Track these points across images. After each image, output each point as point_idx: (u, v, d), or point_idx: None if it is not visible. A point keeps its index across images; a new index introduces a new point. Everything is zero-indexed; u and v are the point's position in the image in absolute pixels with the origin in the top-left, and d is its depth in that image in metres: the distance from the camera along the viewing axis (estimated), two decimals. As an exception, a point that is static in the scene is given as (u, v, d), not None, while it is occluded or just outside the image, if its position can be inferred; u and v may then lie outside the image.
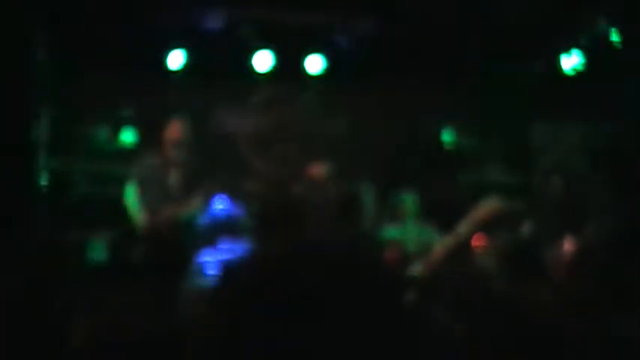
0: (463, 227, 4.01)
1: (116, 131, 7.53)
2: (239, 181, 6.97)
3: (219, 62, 7.44)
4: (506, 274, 3.01)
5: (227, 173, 6.75)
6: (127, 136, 7.52)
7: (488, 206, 4.28)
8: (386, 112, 7.94)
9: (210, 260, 4.46)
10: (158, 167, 5.56)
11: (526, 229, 4.69)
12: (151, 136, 6.33)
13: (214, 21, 7.14)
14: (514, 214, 4.37)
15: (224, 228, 5.31)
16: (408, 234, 5.62)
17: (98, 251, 6.37)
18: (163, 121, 5.95)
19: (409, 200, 5.84)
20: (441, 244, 4.17)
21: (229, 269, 1.39)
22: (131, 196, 5.53)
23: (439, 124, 7.92)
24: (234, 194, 5.94)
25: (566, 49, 7.11)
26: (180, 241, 5.23)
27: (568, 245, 3.29)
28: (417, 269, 4.07)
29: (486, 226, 3.86)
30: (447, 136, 7.82)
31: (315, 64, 7.86)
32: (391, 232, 5.75)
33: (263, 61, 7.73)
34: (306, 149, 7.24)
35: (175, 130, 5.66)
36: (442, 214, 5.19)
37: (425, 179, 7.14)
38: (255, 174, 7.28)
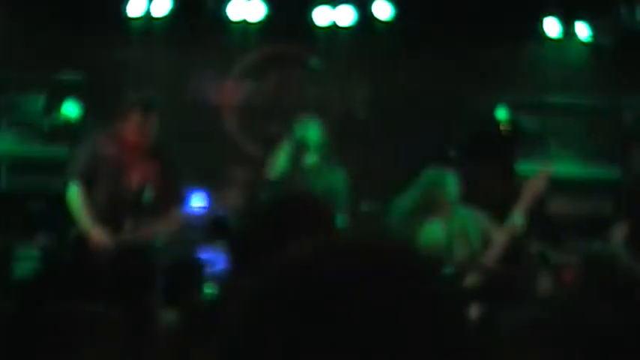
0: (518, 217, 4.38)
1: (55, 102, 6.42)
2: (225, 170, 6.16)
3: (195, 9, 6.53)
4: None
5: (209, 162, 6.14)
6: (70, 109, 6.39)
7: (537, 183, 4.45)
8: (420, 83, 6.80)
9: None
10: (114, 158, 4.57)
11: (616, 235, 4.45)
12: (102, 110, 5.52)
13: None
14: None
15: (207, 231, 5.22)
16: (454, 227, 4.65)
17: (27, 263, 5.48)
18: (121, 92, 5.19)
19: (451, 182, 4.69)
20: (499, 239, 4.42)
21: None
22: (75, 197, 4.54)
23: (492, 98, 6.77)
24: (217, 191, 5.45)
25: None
26: (150, 264, 4.52)
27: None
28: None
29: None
30: (502, 114, 6.68)
31: (341, 15, 6.75)
32: (433, 229, 4.67)
33: (254, 8, 6.58)
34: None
35: (137, 123, 4.58)
36: (496, 210, 4.71)
37: (474, 169, 5.88)
38: (245, 161, 6.30)
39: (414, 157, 6.34)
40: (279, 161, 4.82)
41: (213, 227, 5.63)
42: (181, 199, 4.72)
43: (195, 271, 5.31)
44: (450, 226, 4.55)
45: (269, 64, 6.76)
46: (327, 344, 0.71)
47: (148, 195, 4.52)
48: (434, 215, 4.56)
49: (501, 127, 6.54)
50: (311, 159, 4.80)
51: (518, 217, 4.41)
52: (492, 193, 5.90)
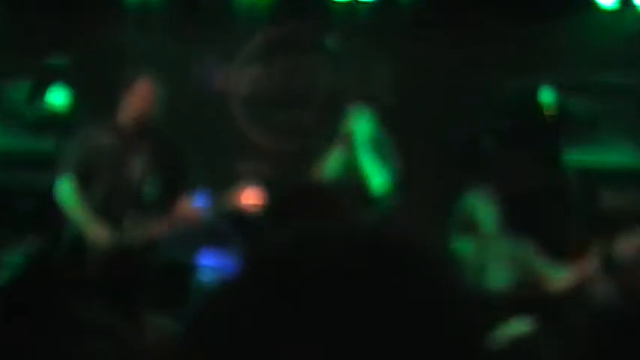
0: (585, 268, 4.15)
1: (40, 89, 5.96)
2: (233, 165, 5.81)
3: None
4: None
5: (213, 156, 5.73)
6: (57, 97, 5.92)
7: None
8: (451, 65, 6.20)
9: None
10: (112, 148, 4.42)
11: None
12: (94, 99, 5.25)
13: None
14: None
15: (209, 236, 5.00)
16: (489, 252, 4.50)
17: (9, 269, 4.93)
18: (116, 78, 4.71)
19: (485, 204, 4.56)
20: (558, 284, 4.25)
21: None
22: (69, 194, 4.39)
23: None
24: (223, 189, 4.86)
25: None
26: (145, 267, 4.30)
27: None
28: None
29: None
30: (546, 97, 6.06)
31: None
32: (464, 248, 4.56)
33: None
34: (329, 117, 5.63)
35: (141, 95, 4.46)
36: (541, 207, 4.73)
37: (513, 160, 5.56)
38: (254, 152, 5.93)
39: (445, 147, 5.94)
40: (330, 162, 4.62)
41: (232, 227, 5.17)
42: (191, 190, 4.49)
43: (191, 276, 5.02)
44: (484, 250, 4.45)
45: (279, 45, 6.24)
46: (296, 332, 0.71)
47: (152, 187, 4.37)
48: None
49: (545, 112, 6.02)
50: (362, 157, 4.60)
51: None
52: (535, 187, 5.46)
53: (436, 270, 0.75)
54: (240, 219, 4.99)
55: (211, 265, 5.09)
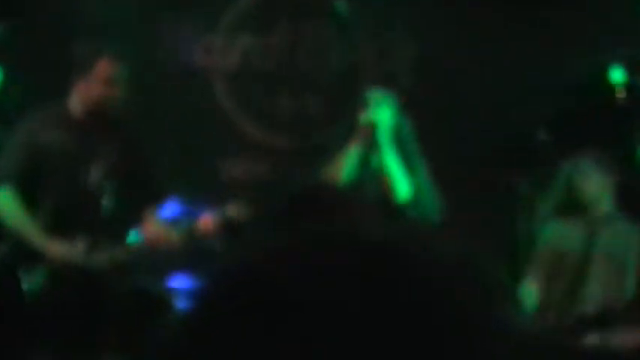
0: None
1: None
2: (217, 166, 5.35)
3: None
4: None
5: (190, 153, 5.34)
6: None
7: None
8: (491, 37, 5.45)
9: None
10: (63, 147, 3.91)
11: None
12: (36, 80, 4.83)
13: None
14: None
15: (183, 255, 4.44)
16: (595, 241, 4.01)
17: None
18: (65, 54, 4.10)
19: (593, 177, 3.97)
20: None
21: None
22: (10, 206, 3.91)
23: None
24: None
25: None
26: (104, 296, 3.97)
27: None
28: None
29: None
30: (616, 76, 5.34)
31: None
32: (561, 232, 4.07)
33: None
34: (341, 103, 5.07)
35: (99, 76, 3.90)
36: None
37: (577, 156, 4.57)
38: (245, 150, 5.38)
39: (482, 141, 5.22)
40: (348, 160, 4.08)
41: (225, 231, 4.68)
42: (160, 198, 4.10)
43: (161, 305, 4.59)
44: (589, 239, 3.95)
45: (276, 10, 5.39)
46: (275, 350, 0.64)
47: (114, 196, 3.94)
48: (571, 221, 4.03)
49: (617, 94, 5.19)
50: (386, 155, 4.06)
51: None
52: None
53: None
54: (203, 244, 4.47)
55: (186, 288, 4.66)
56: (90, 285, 3.96)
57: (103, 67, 3.85)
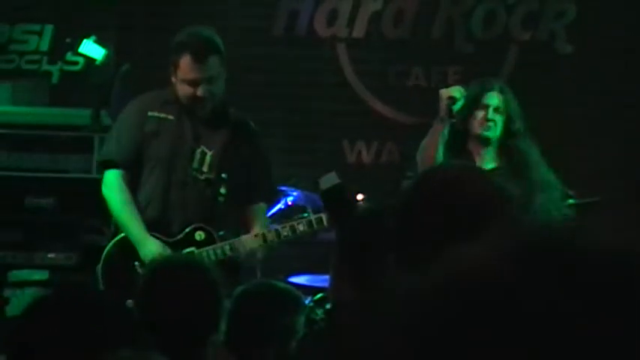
0: None
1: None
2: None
3: None
4: None
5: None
6: (93, 48, 4.61)
7: None
8: None
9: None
10: (176, 131, 3.60)
11: None
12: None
13: None
14: None
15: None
16: None
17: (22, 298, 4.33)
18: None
19: None
20: None
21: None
22: (114, 185, 3.65)
23: None
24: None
25: None
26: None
27: None
28: None
29: None
30: None
31: None
32: None
33: None
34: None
35: (186, 75, 3.50)
36: None
37: None
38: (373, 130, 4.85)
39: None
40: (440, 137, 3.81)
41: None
42: (275, 194, 3.86)
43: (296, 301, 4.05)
44: None
45: None
46: None
47: (222, 185, 3.58)
48: None
49: None
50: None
51: None
52: None
53: None
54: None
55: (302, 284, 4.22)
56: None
57: (185, 67, 3.47)
